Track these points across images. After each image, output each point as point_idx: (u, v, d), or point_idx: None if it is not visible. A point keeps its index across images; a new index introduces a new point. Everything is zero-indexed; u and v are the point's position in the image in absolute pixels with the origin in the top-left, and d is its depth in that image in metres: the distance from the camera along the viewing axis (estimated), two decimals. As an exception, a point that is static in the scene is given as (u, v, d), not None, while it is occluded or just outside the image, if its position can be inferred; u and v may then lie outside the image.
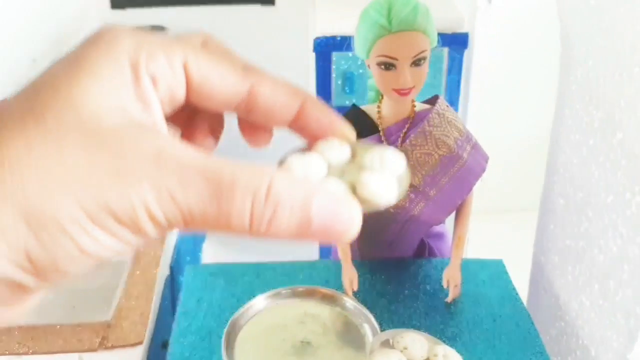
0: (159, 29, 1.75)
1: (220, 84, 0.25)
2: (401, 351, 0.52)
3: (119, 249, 0.20)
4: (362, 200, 0.26)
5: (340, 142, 0.30)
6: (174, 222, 0.20)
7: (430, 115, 0.74)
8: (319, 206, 0.22)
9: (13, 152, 0.19)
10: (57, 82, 0.21)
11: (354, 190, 0.28)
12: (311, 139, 0.28)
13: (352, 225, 0.23)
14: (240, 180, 0.21)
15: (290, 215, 0.21)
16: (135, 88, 0.22)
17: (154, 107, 0.23)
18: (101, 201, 0.20)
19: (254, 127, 0.28)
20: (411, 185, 0.74)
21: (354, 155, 0.30)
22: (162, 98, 0.23)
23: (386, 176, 0.29)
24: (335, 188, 0.27)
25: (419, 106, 0.77)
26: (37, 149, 0.19)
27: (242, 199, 0.21)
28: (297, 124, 0.28)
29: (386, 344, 0.52)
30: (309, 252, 2.06)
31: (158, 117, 0.23)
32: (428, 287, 0.76)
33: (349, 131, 0.28)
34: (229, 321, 0.46)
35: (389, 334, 0.51)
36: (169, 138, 0.22)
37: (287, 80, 0.27)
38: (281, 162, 0.28)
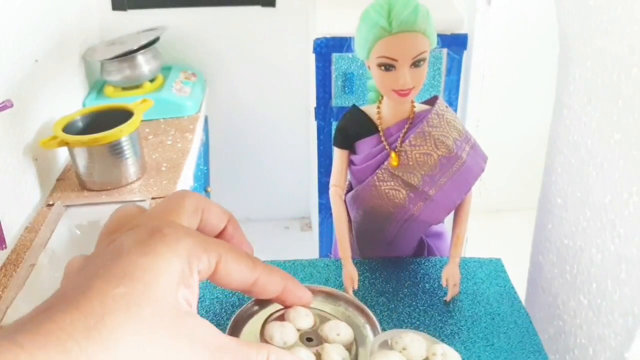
0: (160, 30, 1.75)
1: (238, 277, 0.37)
2: (400, 352, 0.52)
3: None
4: None
5: (306, 311, 0.43)
6: None
7: (429, 115, 0.75)
8: None
9: (124, 341, 0.29)
10: (148, 279, 0.31)
11: (319, 357, 0.41)
12: (286, 306, 0.43)
13: None
14: (251, 354, 0.35)
15: None
16: (188, 279, 0.33)
17: (195, 291, 0.34)
18: None
19: None
20: (410, 185, 0.75)
21: (315, 320, 0.44)
22: (199, 282, 0.35)
23: (340, 347, 0.43)
24: (306, 357, 0.40)
25: (419, 107, 0.77)
26: (142, 337, 0.29)
27: None
28: (279, 299, 0.42)
29: (385, 345, 0.53)
30: (310, 251, 2.06)
31: (196, 298, 0.34)
32: (427, 286, 0.76)
33: (311, 300, 0.44)
34: (231, 319, 0.46)
35: (387, 334, 0.51)
36: (207, 324, 0.33)
37: (277, 268, 0.40)
38: (263, 328, 0.43)
